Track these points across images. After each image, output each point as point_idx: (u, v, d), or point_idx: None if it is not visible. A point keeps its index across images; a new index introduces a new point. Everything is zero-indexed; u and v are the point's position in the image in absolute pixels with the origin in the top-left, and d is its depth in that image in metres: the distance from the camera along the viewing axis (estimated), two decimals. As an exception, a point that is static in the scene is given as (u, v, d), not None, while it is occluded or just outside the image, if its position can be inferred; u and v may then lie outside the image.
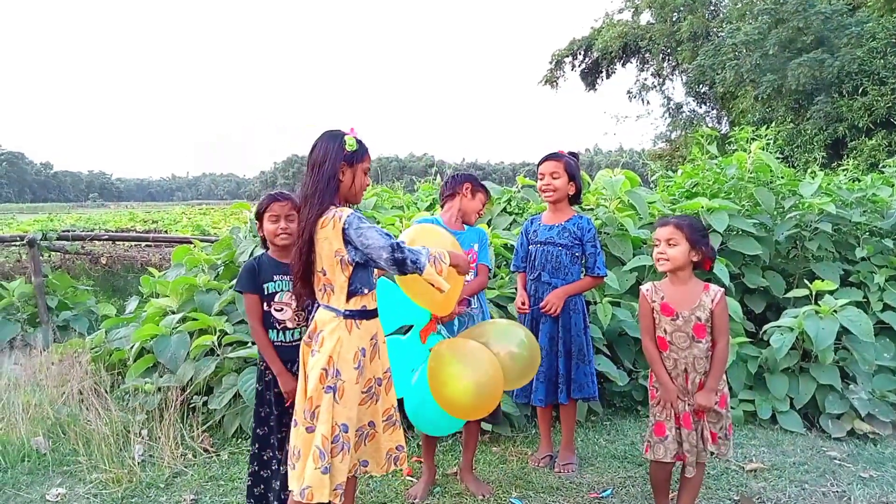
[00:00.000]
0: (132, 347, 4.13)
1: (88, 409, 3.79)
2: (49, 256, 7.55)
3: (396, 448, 2.35)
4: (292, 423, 2.25)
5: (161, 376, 3.97)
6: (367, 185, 2.36)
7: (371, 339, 2.26)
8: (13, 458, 3.44)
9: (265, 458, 2.66)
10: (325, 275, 2.21)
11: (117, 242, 8.39)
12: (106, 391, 3.95)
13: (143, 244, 8.54)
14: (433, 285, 2.17)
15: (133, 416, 3.75)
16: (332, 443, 2.13)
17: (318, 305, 2.28)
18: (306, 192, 2.21)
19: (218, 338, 3.85)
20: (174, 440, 3.48)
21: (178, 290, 4.26)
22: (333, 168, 2.19)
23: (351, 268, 2.17)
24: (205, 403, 3.78)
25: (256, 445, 2.68)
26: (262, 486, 2.68)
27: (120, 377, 4.27)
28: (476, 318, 3.03)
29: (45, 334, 5.67)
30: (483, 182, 3.25)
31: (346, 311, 2.19)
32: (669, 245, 2.57)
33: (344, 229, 2.12)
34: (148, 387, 3.87)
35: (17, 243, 6.84)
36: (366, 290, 2.23)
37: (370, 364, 2.27)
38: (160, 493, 3.12)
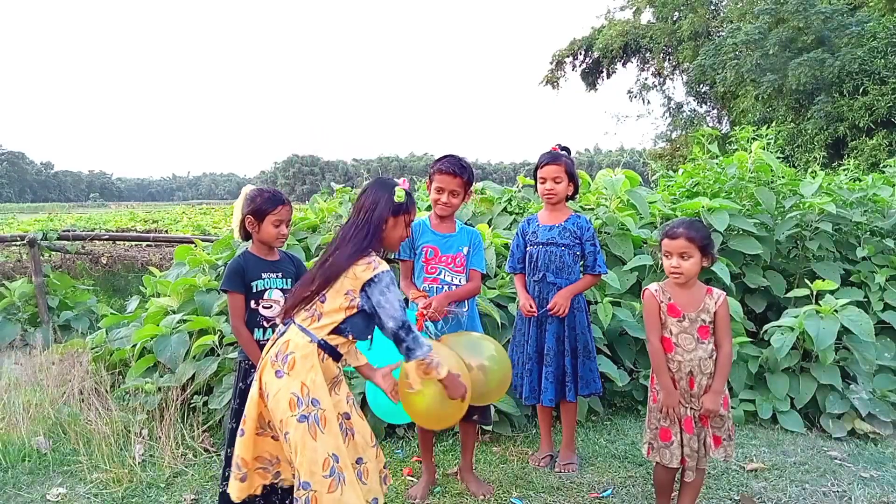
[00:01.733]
0: (133, 347, 4.13)
1: (89, 408, 3.79)
2: (49, 256, 7.56)
3: (384, 468, 2.33)
4: (241, 426, 2.19)
5: (161, 376, 3.97)
6: (407, 237, 2.41)
7: (333, 378, 2.21)
8: (14, 457, 3.44)
9: None
10: (323, 302, 2.17)
11: (118, 242, 8.40)
12: (106, 391, 3.95)
13: (144, 244, 8.55)
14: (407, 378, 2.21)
15: (133, 416, 3.75)
16: (327, 477, 2.04)
17: (290, 322, 2.21)
18: (347, 232, 2.23)
19: (218, 338, 3.85)
20: (174, 440, 3.48)
21: (178, 290, 4.26)
22: (380, 218, 2.22)
23: (354, 311, 2.15)
24: (205, 403, 3.78)
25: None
26: None
27: (120, 377, 4.27)
28: (462, 323, 2.96)
29: (46, 334, 5.68)
30: (452, 160, 2.95)
31: (321, 339, 2.14)
32: (683, 258, 2.56)
33: (371, 280, 2.12)
34: (148, 387, 3.87)
35: (18, 243, 6.85)
36: (350, 337, 2.19)
37: (329, 402, 2.18)
38: (160, 492, 3.12)
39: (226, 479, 2.60)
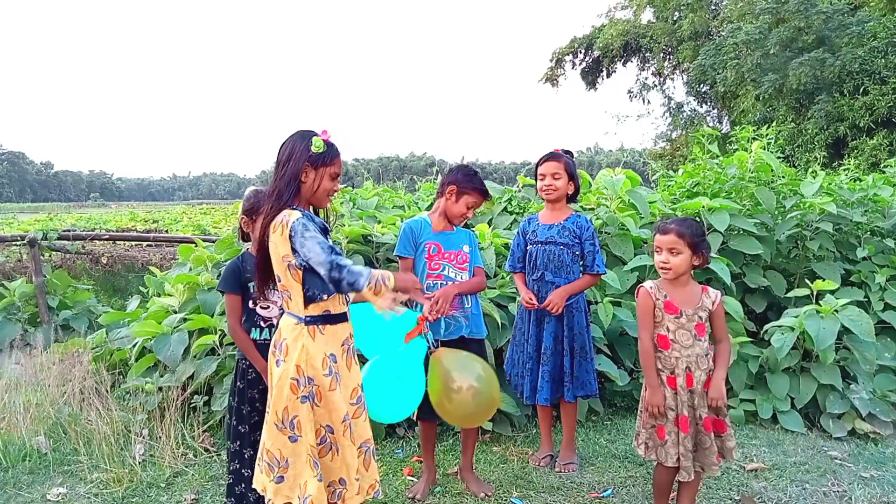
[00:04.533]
0: (133, 346, 4.13)
1: (89, 408, 3.79)
2: (50, 256, 7.55)
3: (376, 482, 2.29)
4: (266, 424, 2.20)
5: (162, 376, 3.97)
6: (335, 191, 2.24)
7: (342, 345, 2.18)
8: (14, 457, 3.44)
9: (246, 455, 2.63)
10: (280, 281, 2.16)
11: (118, 242, 8.39)
12: (107, 391, 3.95)
13: (144, 244, 8.53)
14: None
15: (134, 416, 3.76)
16: (319, 445, 2.11)
17: (282, 313, 2.24)
18: (269, 190, 2.18)
19: (219, 337, 3.85)
20: (175, 440, 3.48)
21: (179, 288, 4.26)
22: (296, 168, 2.12)
23: (301, 272, 2.10)
24: (205, 403, 3.78)
25: (238, 443, 2.64)
26: (242, 485, 2.64)
27: (121, 377, 4.27)
28: (464, 325, 2.97)
29: (46, 334, 5.67)
30: (482, 181, 3.06)
31: (306, 317, 2.12)
32: (672, 254, 2.57)
33: (290, 236, 2.06)
34: (149, 386, 3.88)
35: (18, 243, 6.84)
36: (324, 296, 2.13)
37: (349, 371, 2.20)
38: (161, 492, 3.12)
39: (231, 473, 2.65)
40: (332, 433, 2.13)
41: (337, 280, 2.00)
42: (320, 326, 2.14)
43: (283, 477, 2.12)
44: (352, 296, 2.24)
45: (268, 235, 2.14)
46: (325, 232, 2.16)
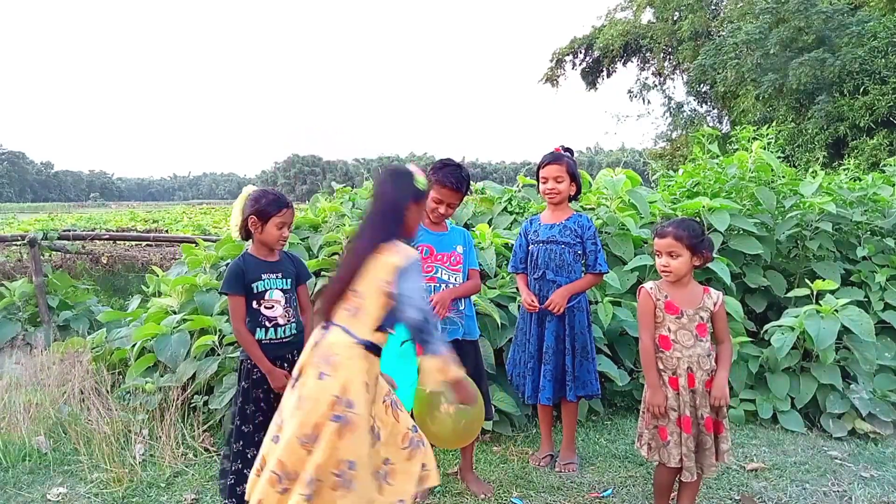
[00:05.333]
0: (133, 347, 4.13)
1: (89, 408, 3.79)
2: (50, 256, 7.55)
3: (423, 468, 2.24)
4: (274, 433, 2.13)
5: (162, 376, 3.97)
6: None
7: (375, 378, 2.19)
8: (14, 457, 3.44)
9: (249, 456, 2.61)
10: (357, 294, 2.13)
11: (118, 242, 8.40)
12: (107, 391, 3.95)
13: (144, 244, 8.54)
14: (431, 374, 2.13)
15: (134, 416, 3.76)
16: (336, 476, 2.03)
17: (329, 325, 2.16)
18: (368, 222, 2.22)
19: (219, 337, 3.86)
20: (175, 440, 3.48)
21: (178, 289, 4.26)
22: (403, 206, 2.21)
23: (392, 302, 2.10)
24: (205, 403, 3.78)
25: (241, 443, 2.63)
26: (244, 486, 2.62)
27: (121, 377, 4.27)
28: (460, 326, 2.96)
29: (46, 334, 5.68)
30: (451, 172, 2.89)
31: (366, 341, 2.11)
32: (672, 257, 2.57)
33: (404, 267, 2.08)
34: (149, 386, 3.88)
35: (18, 243, 6.83)
36: (391, 331, 2.17)
37: (371, 403, 2.18)
38: (161, 492, 3.12)
39: (233, 473, 2.63)
40: (352, 469, 2.03)
41: (421, 330, 2.04)
42: (371, 355, 2.13)
43: (287, 489, 2.06)
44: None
45: (364, 261, 2.12)
46: None
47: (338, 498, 2.02)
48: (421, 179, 2.25)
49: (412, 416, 2.53)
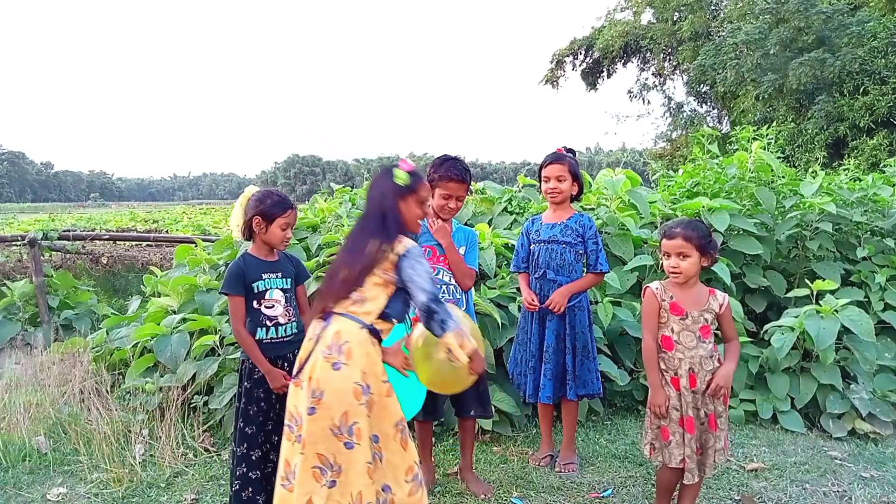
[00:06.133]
0: (133, 347, 4.13)
1: (89, 408, 3.80)
2: (50, 256, 7.55)
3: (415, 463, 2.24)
4: (297, 433, 2.12)
5: (162, 376, 3.97)
6: (423, 216, 2.38)
7: (382, 370, 2.21)
8: (14, 457, 3.44)
9: (254, 458, 2.60)
10: (361, 286, 2.17)
11: (118, 242, 8.40)
12: (107, 391, 3.95)
13: (144, 244, 8.54)
14: (449, 351, 2.14)
15: (134, 416, 3.76)
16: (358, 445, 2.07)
17: (329, 315, 2.18)
18: (359, 226, 2.28)
19: (219, 338, 3.86)
20: (175, 440, 3.48)
21: (178, 289, 4.26)
22: (393, 205, 2.24)
23: (392, 288, 2.18)
24: (205, 403, 3.78)
25: (245, 445, 2.61)
26: (250, 490, 2.59)
27: (121, 377, 4.27)
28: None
29: (47, 334, 5.68)
30: (453, 165, 2.93)
31: (371, 324, 2.16)
32: (681, 258, 2.56)
33: (403, 254, 2.15)
34: (149, 386, 3.88)
35: (18, 243, 6.84)
36: (394, 321, 2.22)
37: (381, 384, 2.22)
38: (161, 492, 3.12)
39: (238, 477, 2.61)
40: (378, 442, 2.11)
41: (433, 312, 2.08)
42: (376, 341, 2.18)
43: (335, 482, 2.06)
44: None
45: (372, 263, 2.17)
46: None
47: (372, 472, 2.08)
48: (400, 174, 2.26)
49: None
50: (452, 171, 2.92)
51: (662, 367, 2.61)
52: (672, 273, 2.59)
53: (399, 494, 2.15)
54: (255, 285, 2.64)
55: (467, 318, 2.57)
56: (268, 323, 2.65)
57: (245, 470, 2.60)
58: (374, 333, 2.17)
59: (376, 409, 2.12)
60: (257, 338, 2.63)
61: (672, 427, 2.57)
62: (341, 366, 2.08)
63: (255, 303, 2.65)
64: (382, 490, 2.12)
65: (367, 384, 2.09)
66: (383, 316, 2.18)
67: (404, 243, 2.19)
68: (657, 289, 2.63)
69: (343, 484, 2.05)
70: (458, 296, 3.02)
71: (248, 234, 2.71)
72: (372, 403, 2.11)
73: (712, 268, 4.01)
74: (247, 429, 2.64)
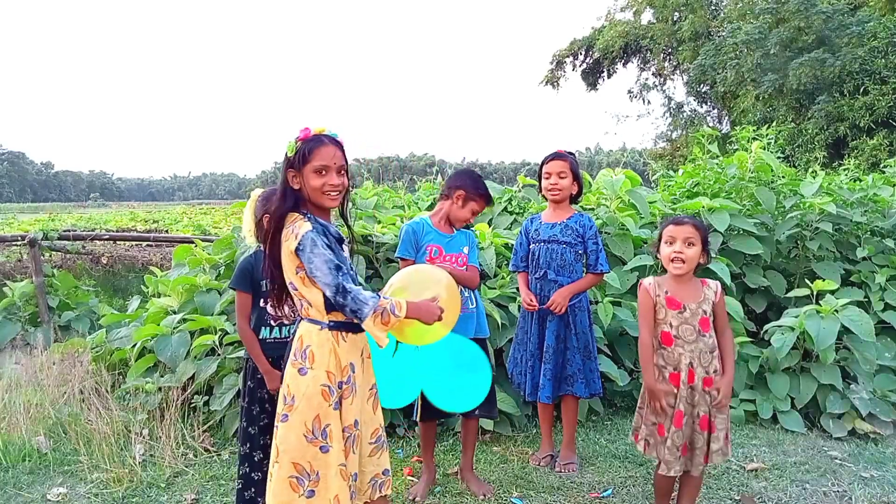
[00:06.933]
0: (133, 347, 4.13)
1: (89, 408, 3.80)
2: (50, 256, 7.56)
3: (382, 473, 2.20)
4: (284, 433, 2.07)
5: (162, 376, 3.97)
6: (331, 185, 2.07)
7: (360, 354, 2.15)
8: (14, 457, 3.44)
9: (256, 458, 2.61)
10: (295, 289, 2.08)
11: (118, 242, 8.39)
12: (107, 391, 3.95)
13: (144, 244, 8.54)
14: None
15: (134, 416, 3.76)
16: (344, 444, 2.06)
17: (300, 319, 2.14)
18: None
19: (219, 337, 3.86)
20: (175, 440, 3.49)
21: (178, 289, 4.26)
22: (284, 176, 2.09)
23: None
24: (206, 403, 3.78)
25: (247, 445, 2.62)
26: (252, 490, 2.60)
27: (121, 377, 4.27)
28: (467, 319, 2.97)
29: (47, 334, 5.68)
30: (484, 184, 3.08)
31: (329, 322, 2.06)
32: (687, 245, 2.56)
33: (297, 249, 1.99)
34: (149, 386, 3.88)
35: (18, 243, 6.84)
36: None
37: (361, 377, 2.14)
38: (161, 492, 3.12)
39: (240, 477, 2.63)
40: (357, 427, 2.10)
41: (341, 305, 1.97)
42: (343, 333, 2.08)
43: (313, 491, 2.02)
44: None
45: (278, 243, 2.08)
46: (340, 242, 2.12)
47: (349, 455, 2.08)
48: (290, 144, 2.08)
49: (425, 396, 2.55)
50: (490, 196, 3.08)
51: (661, 362, 2.60)
52: (675, 258, 2.56)
53: (361, 454, 2.14)
54: (263, 283, 2.64)
55: (426, 268, 2.51)
56: (272, 322, 2.65)
57: (247, 470, 2.62)
58: (339, 327, 2.07)
59: (351, 395, 2.07)
60: (261, 336, 2.64)
61: (667, 423, 2.57)
62: (307, 370, 2.05)
63: (262, 301, 2.65)
64: (383, 472, 2.17)
65: (337, 382, 2.05)
66: (331, 305, 2.03)
67: (295, 231, 2.01)
68: (650, 284, 2.63)
69: (322, 490, 2.03)
70: (466, 294, 3.03)
71: (262, 234, 2.71)
72: (345, 394, 2.06)
73: (712, 268, 4.04)
74: (249, 428, 2.64)
